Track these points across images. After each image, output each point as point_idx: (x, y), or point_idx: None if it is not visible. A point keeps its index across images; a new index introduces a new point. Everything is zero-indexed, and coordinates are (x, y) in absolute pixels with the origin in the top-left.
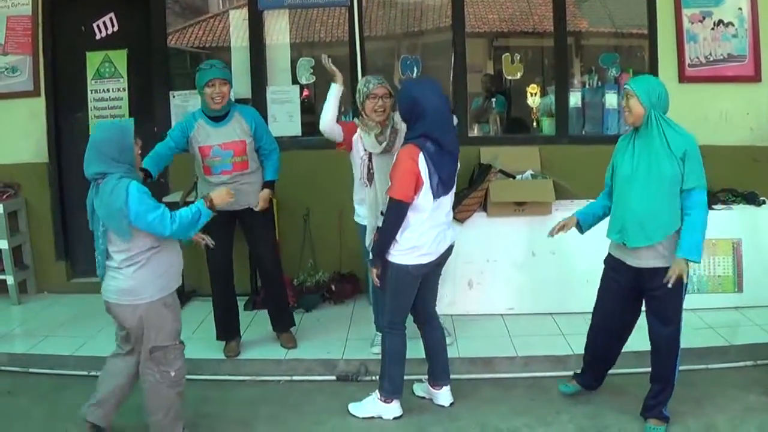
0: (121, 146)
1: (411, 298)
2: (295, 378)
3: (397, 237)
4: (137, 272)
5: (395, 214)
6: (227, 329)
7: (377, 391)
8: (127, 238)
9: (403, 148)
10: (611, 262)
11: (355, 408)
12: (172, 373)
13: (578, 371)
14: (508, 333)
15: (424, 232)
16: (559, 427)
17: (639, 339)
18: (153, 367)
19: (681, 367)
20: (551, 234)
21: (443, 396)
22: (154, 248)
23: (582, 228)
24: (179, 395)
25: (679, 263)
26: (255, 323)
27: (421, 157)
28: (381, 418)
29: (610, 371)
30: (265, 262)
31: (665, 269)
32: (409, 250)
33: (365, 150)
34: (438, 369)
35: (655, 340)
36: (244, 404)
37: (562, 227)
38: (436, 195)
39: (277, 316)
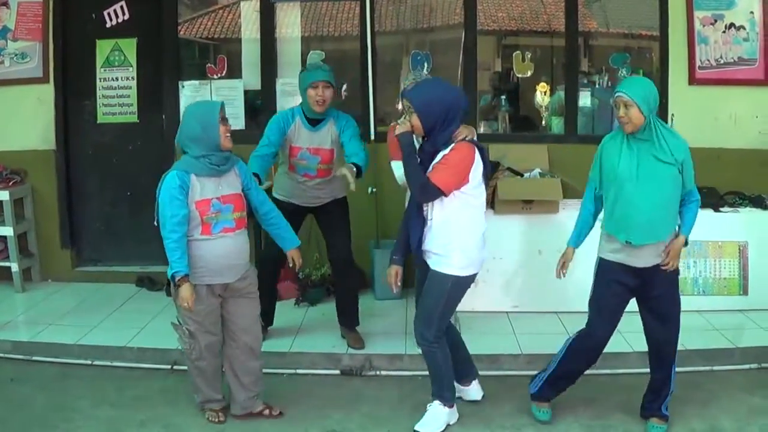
0: (205, 123)
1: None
2: (299, 371)
3: (460, 244)
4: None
5: (426, 194)
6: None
7: (436, 401)
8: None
9: (461, 145)
10: (612, 266)
11: (425, 428)
12: (183, 345)
13: (534, 392)
14: (513, 331)
15: (480, 241)
16: (564, 426)
17: (642, 340)
18: None
19: (687, 369)
20: (560, 275)
21: (474, 391)
22: (189, 237)
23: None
24: (193, 371)
25: (680, 241)
26: None
27: (477, 154)
28: (449, 425)
29: (616, 371)
30: (339, 252)
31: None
32: (473, 260)
33: None
34: (464, 365)
35: (654, 341)
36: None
37: (564, 264)
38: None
39: (346, 310)
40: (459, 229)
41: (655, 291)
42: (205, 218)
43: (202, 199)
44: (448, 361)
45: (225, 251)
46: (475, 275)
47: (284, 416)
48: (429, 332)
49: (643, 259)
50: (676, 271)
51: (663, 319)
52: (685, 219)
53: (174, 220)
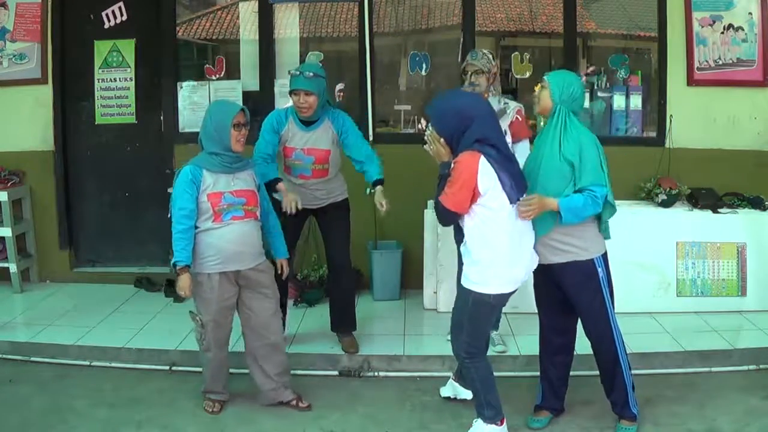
0: (218, 124)
1: (491, 325)
2: (297, 372)
3: (479, 258)
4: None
5: (442, 217)
6: None
7: (479, 419)
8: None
9: (461, 156)
10: None
11: None
12: (196, 334)
13: (538, 403)
14: (511, 332)
15: (508, 259)
16: (562, 427)
17: (640, 341)
18: None
19: (685, 370)
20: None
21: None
22: (197, 228)
23: None
24: (203, 359)
25: (546, 200)
26: None
27: (483, 161)
28: None
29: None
30: (335, 257)
31: (573, 264)
32: (490, 277)
33: None
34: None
35: (588, 338)
36: (247, 397)
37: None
38: (513, 198)
39: (339, 315)
40: (479, 244)
41: (567, 291)
42: (217, 209)
43: (214, 192)
44: (486, 380)
45: (234, 237)
46: (503, 295)
47: (312, 410)
48: (459, 347)
49: (541, 255)
50: (590, 275)
51: (583, 321)
52: (569, 198)
53: (182, 212)
